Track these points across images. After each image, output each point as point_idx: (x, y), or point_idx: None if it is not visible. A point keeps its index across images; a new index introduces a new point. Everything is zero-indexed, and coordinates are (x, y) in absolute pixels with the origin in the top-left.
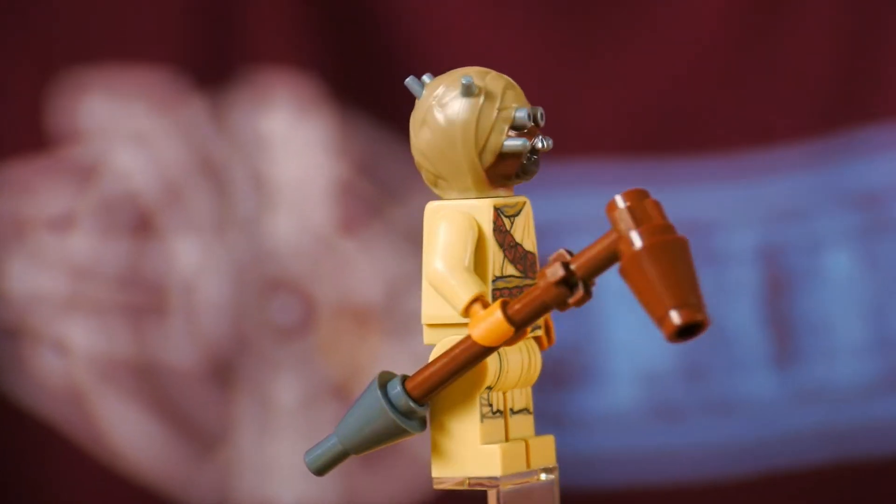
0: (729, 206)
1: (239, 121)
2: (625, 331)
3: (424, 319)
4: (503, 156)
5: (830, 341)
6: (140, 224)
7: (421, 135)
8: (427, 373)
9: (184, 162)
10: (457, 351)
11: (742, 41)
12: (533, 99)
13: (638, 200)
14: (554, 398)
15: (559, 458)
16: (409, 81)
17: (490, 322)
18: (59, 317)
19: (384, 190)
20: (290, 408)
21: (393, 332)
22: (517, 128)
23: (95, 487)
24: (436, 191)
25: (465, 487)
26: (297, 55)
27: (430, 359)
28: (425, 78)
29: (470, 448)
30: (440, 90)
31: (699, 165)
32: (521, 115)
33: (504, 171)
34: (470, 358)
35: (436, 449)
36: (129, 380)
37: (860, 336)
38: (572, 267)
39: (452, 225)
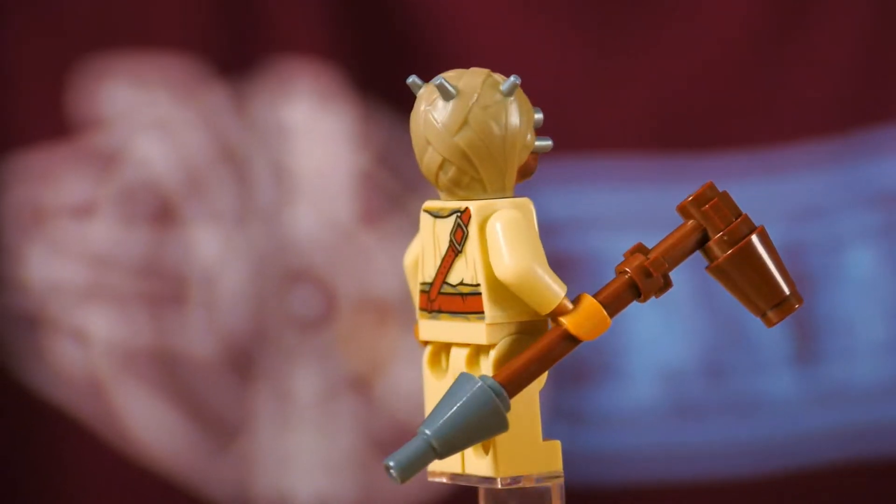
0: (750, 204)
1: (261, 110)
2: (645, 329)
3: (490, 319)
4: (531, 155)
5: (851, 340)
6: (161, 213)
7: (462, 135)
8: (520, 369)
9: (205, 151)
10: (551, 346)
11: (763, 39)
12: (554, 94)
13: (720, 196)
14: (574, 395)
15: (579, 455)
16: (443, 83)
17: (592, 316)
18: (79, 306)
19: (404, 182)
20: (308, 400)
21: (412, 325)
22: (535, 128)
23: (113, 477)
24: (460, 191)
25: (531, 485)
26: (320, 45)
27: (496, 358)
28: (416, 79)
29: (534, 444)
30: (478, 90)
31: (719, 163)
32: (539, 115)
33: (527, 170)
34: (563, 353)
35: (501, 448)
36: (149, 369)
37: (881, 335)
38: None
39: (524, 223)
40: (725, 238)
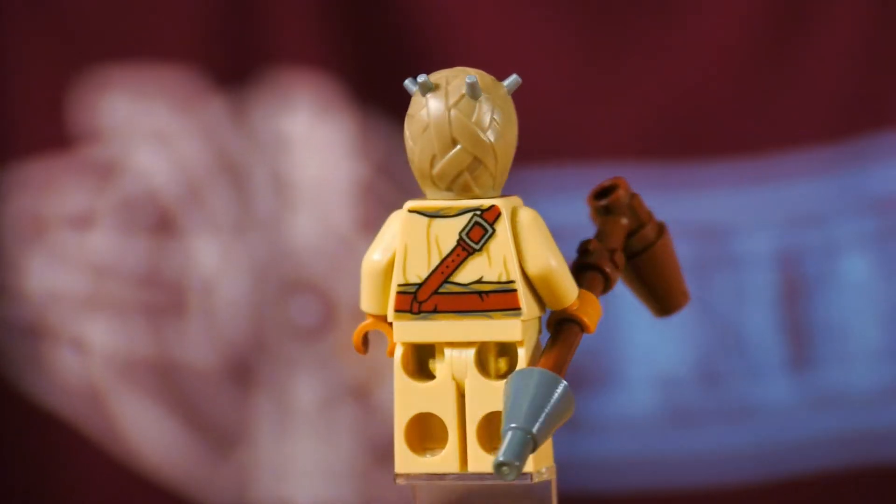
0: (746, 210)
1: (260, 121)
2: (642, 335)
3: (526, 315)
4: None
5: (847, 346)
6: (160, 223)
7: (492, 134)
8: (559, 360)
9: (204, 161)
10: (573, 339)
11: (762, 46)
12: (554, 102)
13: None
14: None
15: (575, 461)
16: (475, 82)
17: (596, 308)
18: (78, 315)
19: (404, 191)
20: (308, 409)
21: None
22: None
23: (113, 486)
24: (477, 190)
25: (540, 479)
26: (319, 55)
27: (530, 353)
28: (428, 79)
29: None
30: (491, 89)
31: (717, 169)
32: None
33: None
34: (577, 344)
35: None
36: (148, 379)
37: (877, 341)
38: None
39: (544, 223)
40: (647, 233)
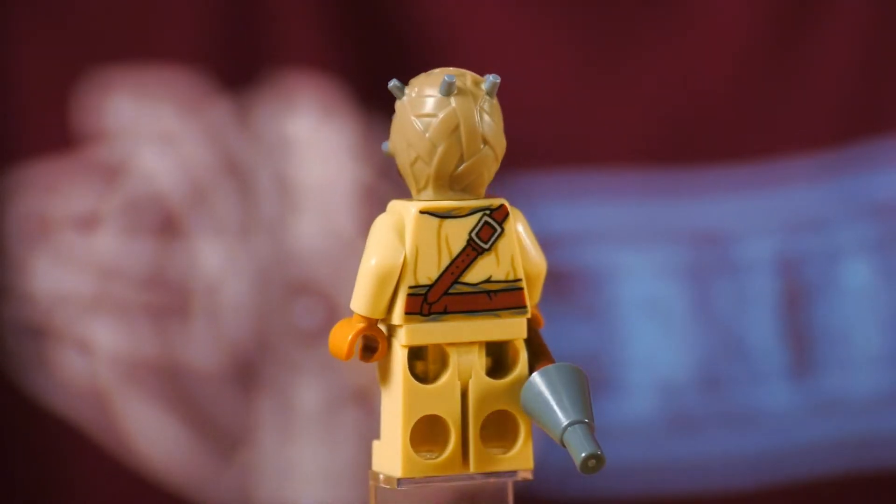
0: (747, 215)
1: (264, 123)
2: (643, 341)
3: (530, 313)
4: None
5: (848, 352)
6: (165, 225)
7: (502, 133)
8: (550, 354)
9: (209, 163)
10: (539, 334)
11: (763, 51)
12: (554, 106)
13: None
14: None
15: (577, 467)
16: (497, 80)
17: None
18: (84, 317)
19: (408, 194)
20: (311, 411)
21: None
22: None
23: (117, 487)
24: (481, 189)
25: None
26: (323, 58)
27: (526, 352)
28: (445, 79)
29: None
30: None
31: (718, 174)
32: None
33: None
34: None
35: (529, 439)
36: (152, 381)
37: (878, 346)
38: None
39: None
40: None
